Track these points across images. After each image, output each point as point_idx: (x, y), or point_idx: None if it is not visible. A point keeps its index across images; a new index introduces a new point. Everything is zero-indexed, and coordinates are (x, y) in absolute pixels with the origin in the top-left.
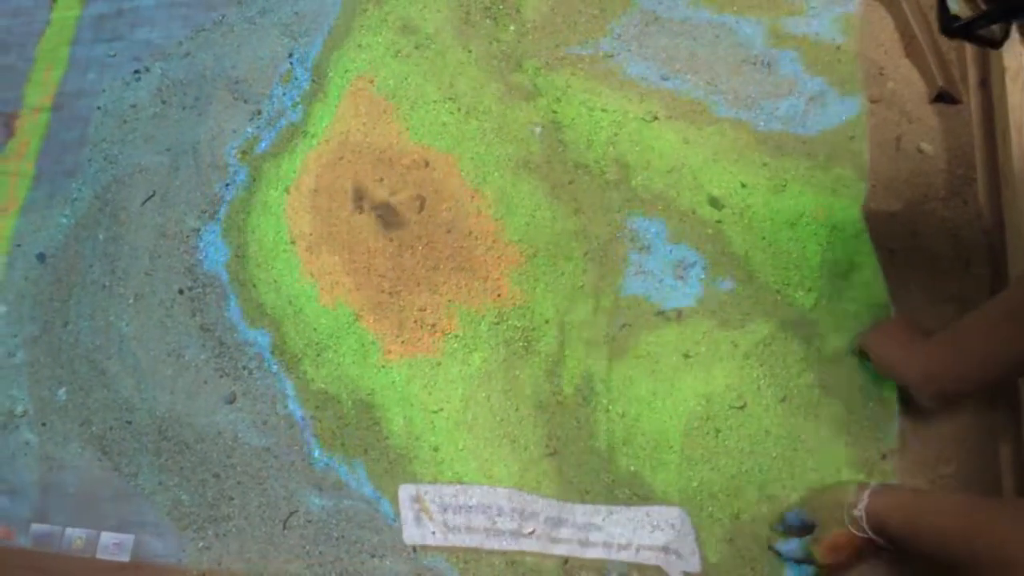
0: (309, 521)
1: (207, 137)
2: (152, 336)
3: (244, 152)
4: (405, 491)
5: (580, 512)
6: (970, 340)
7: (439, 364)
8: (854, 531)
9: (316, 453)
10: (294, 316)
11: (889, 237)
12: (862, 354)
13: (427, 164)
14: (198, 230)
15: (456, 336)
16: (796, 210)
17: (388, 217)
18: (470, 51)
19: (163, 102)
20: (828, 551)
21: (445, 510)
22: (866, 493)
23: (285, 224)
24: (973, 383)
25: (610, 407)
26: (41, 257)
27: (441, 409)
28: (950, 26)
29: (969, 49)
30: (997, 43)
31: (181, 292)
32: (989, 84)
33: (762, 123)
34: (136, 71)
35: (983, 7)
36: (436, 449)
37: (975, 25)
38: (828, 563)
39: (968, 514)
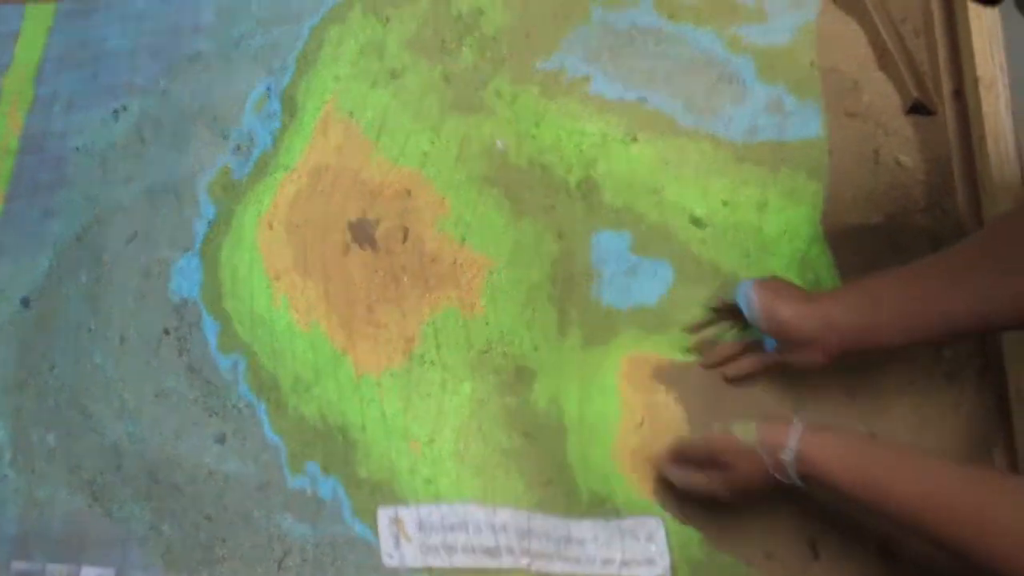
0: (304, 560)
1: (187, 174)
2: (139, 378)
3: (220, 185)
4: (384, 514)
5: (560, 527)
6: (904, 288)
7: (429, 395)
8: (778, 476)
9: (302, 485)
10: (275, 352)
11: (869, 250)
12: (730, 311)
13: (409, 193)
14: (176, 265)
15: (445, 366)
16: (778, 227)
17: (370, 247)
18: (446, 78)
19: (142, 141)
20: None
21: (422, 530)
22: (796, 435)
23: (262, 257)
24: (885, 338)
25: (586, 426)
26: (25, 301)
27: (433, 440)
28: None
29: (942, 59)
30: (993, 0)
31: (167, 332)
32: (964, 94)
33: (740, 140)
34: (114, 110)
35: None
36: (429, 481)
37: None
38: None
39: (959, 490)
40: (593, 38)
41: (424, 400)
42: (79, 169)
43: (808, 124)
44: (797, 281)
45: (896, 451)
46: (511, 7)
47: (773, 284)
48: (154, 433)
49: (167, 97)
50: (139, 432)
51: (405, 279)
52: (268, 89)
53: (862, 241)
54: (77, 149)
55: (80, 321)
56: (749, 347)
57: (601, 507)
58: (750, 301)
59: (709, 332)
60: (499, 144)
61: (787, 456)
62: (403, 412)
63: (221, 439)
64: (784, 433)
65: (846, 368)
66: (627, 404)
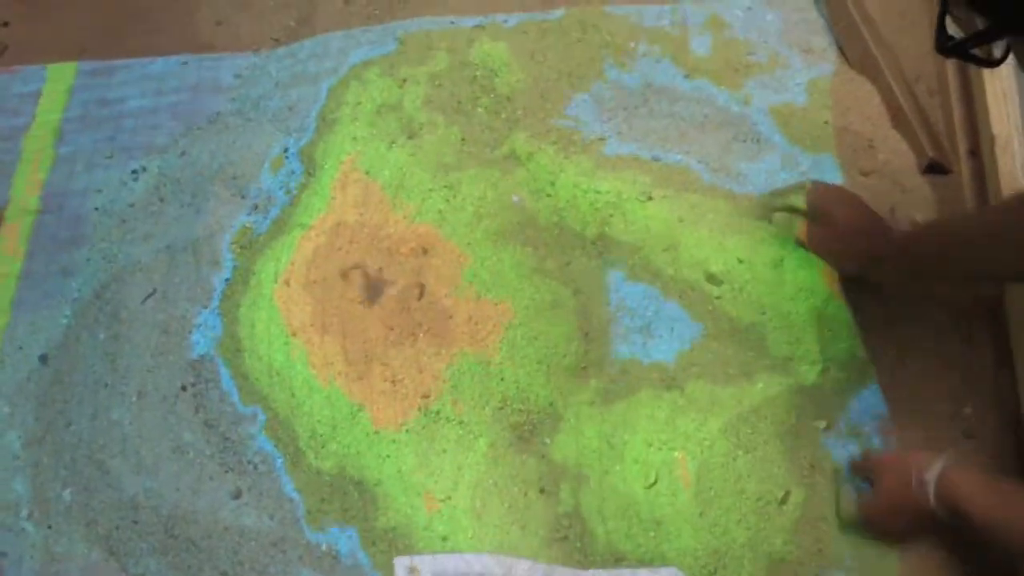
0: None
1: (205, 233)
2: (156, 434)
3: (239, 245)
4: (400, 563)
5: None
6: (937, 241)
7: (445, 451)
8: (918, 497)
9: (317, 541)
10: (293, 408)
11: (887, 307)
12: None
13: (425, 251)
14: (193, 320)
15: (461, 422)
16: (795, 284)
17: (387, 304)
18: (463, 138)
19: (161, 200)
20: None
21: None
22: (940, 461)
23: (279, 314)
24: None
25: (605, 484)
26: (43, 358)
27: (449, 497)
28: (945, 45)
29: (958, 118)
30: (995, 62)
31: (184, 388)
32: (979, 153)
33: (756, 198)
34: (134, 171)
35: (979, 26)
36: (445, 539)
37: (970, 44)
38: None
39: None
40: (607, 98)
41: (440, 456)
42: (98, 228)
43: (824, 178)
44: (814, 338)
45: None
46: (525, 67)
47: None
48: (170, 488)
49: (186, 157)
50: (155, 487)
51: (421, 335)
52: (286, 149)
53: (879, 298)
54: (96, 209)
55: (98, 377)
56: None
57: (619, 563)
58: (813, 196)
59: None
60: (515, 199)
61: (931, 475)
62: (419, 468)
63: (237, 495)
64: (933, 457)
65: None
66: (643, 462)
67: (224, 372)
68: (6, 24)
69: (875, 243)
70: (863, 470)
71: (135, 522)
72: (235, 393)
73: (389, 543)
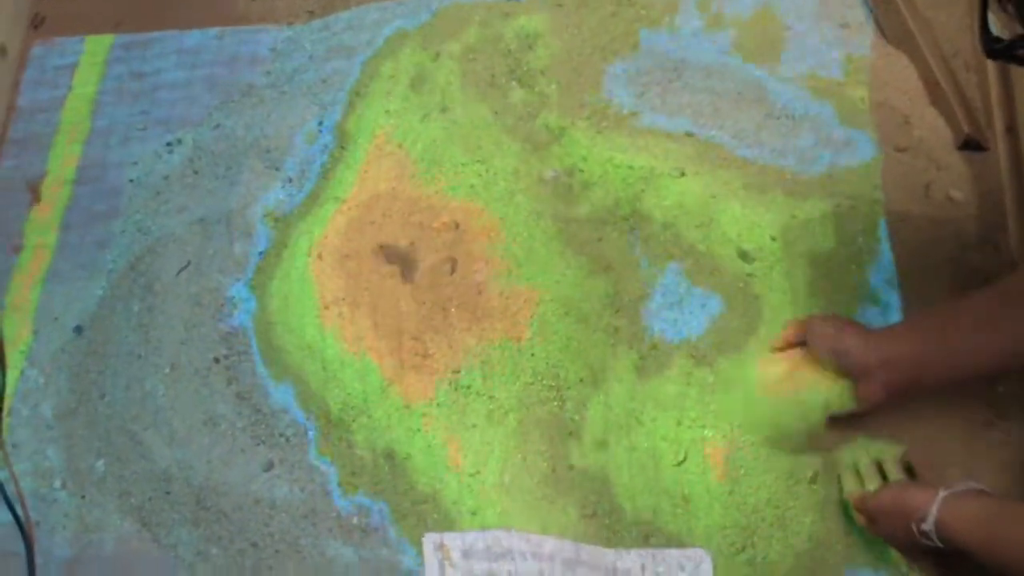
0: None
1: (239, 205)
2: (188, 405)
3: (273, 217)
4: (429, 540)
5: (606, 558)
6: (955, 325)
7: (475, 426)
8: (922, 541)
9: (348, 513)
10: (324, 381)
11: (923, 286)
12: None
13: (457, 226)
14: (227, 294)
15: (492, 396)
16: (827, 263)
17: (419, 279)
18: (496, 112)
19: (195, 172)
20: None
21: (467, 557)
22: (935, 505)
23: (312, 287)
24: (938, 375)
25: (633, 460)
26: (78, 330)
27: (478, 472)
28: (992, 47)
29: (994, 95)
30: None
31: (217, 360)
32: (1016, 130)
33: (789, 175)
34: (168, 143)
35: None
36: (474, 513)
37: (1018, 46)
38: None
39: None
40: (642, 72)
41: (470, 431)
42: (133, 200)
43: (858, 159)
44: (852, 308)
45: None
46: (559, 41)
47: (835, 318)
48: (202, 460)
49: (220, 130)
50: (188, 459)
51: (452, 310)
52: (320, 122)
53: (915, 278)
54: (131, 181)
55: (131, 349)
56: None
57: (647, 541)
58: (815, 332)
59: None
60: (551, 173)
61: (929, 525)
62: (448, 442)
63: (268, 466)
64: (928, 500)
65: (894, 404)
66: (672, 440)
67: (256, 345)
68: None
69: (852, 360)
70: (861, 511)
71: (167, 493)
72: (268, 366)
73: (419, 516)
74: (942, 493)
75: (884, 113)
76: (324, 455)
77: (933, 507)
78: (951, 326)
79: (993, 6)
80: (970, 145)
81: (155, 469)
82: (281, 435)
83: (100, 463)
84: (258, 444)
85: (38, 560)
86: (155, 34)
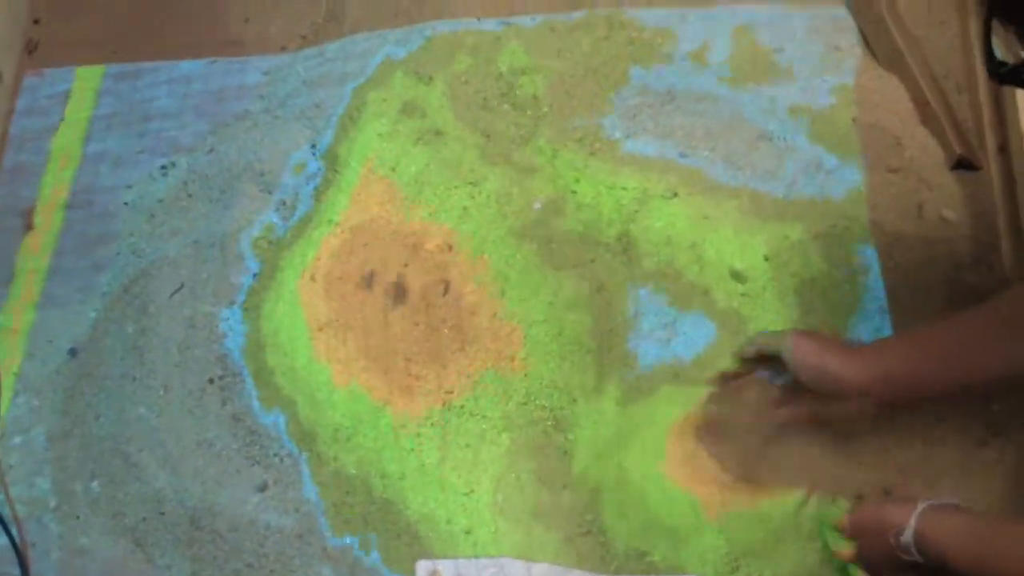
0: None
1: (233, 228)
2: (182, 427)
3: (266, 240)
4: (422, 567)
5: None
6: (946, 341)
7: (467, 446)
8: (902, 555)
9: (341, 539)
10: (316, 404)
11: (915, 307)
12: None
13: (450, 248)
14: (220, 316)
15: (484, 417)
16: (820, 284)
17: (410, 301)
18: (487, 135)
19: (189, 195)
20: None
21: None
22: (913, 516)
23: (302, 311)
24: (927, 390)
25: (626, 480)
26: (72, 352)
27: (471, 491)
28: (997, 71)
29: (986, 115)
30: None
31: (211, 382)
32: (1008, 149)
33: (782, 196)
34: (162, 167)
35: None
36: (468, 532)
37: (1023, 70)
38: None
39: None
40: (633, 96)
41: (463, 451)
42: (127, 223)
43: (849, 181)
44: (842, 335)
45: (1010, 526)
46: (551, 67)
47: (817, 336)
48: (196, 481)
49: (214, 154)
50: (181, 480)
51: (445, 331)
52: (313, 146)
53: (907, 297)
54: (126, 204)
55: (125, 371)
56: (787, 395)
57: (639, 562)
58: (795, 353)
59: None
60: (536, 204)
61: (907, 537)
62: (441, 463)
63: (263, 487)
64: (907, 513)
65: (886, 419)
66: (667, 457)
67: (249, 369)
68: (36, 21)
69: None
70: (842, 530)
71: (161, 514)
72: (259, 390)
73: (411, 538)
74: (921, 505)
75: (875, 134)
76: (316, 479)
77: (912, 519)
78: (941, 343)
79: (997, 30)
80: (962, 165)
81: (149, 490)
82: (275, 455)
83: (94, 484)
84: (252, 465)
85: None
86: (147, 64)
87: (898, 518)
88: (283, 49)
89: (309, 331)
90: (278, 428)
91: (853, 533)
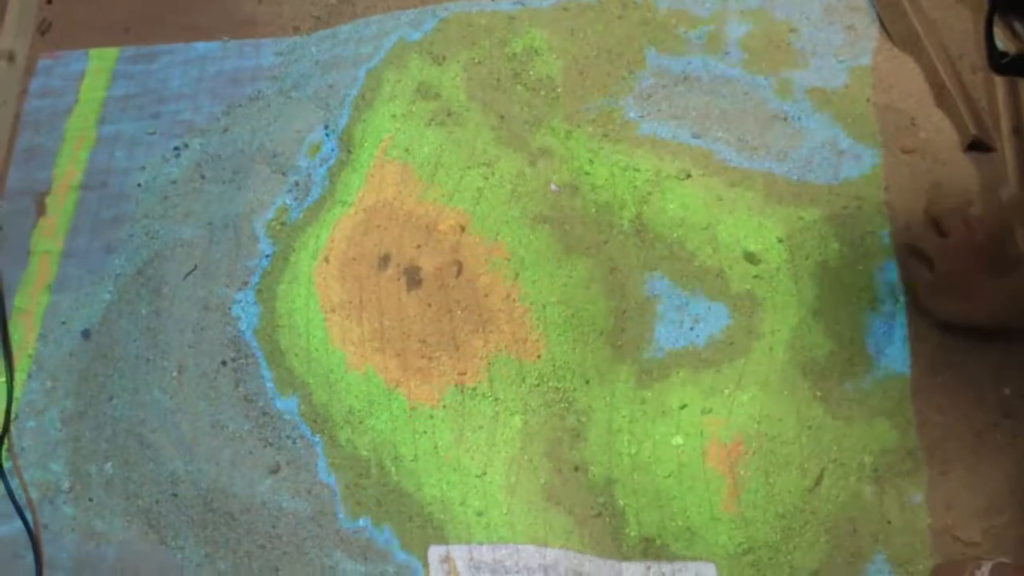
0: None
1: (246, 210)
2: (196, 408)
3: (279, 222)
4: (435, 552)
5: (611, 569)
6: None
7: (480, 427)
8: None
9: (354, 521)
10: (328, 386)
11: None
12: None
13: (463, 229)
14: (233, 296)
15: (497, 399)
16: (834, 265)
17: (424, 282)
18: (501, 116)
19: (202, 177)
20: None
21: (472, 569)
22: (986, 569)
23: (316, 292)
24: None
25: (638, 463)
26: (86, 334)
27: (484, 473)
28: (999, 63)
29: (1000, 96)
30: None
31: (224, 363)
32: (1022, 131)
33: (795, 178)
34: (176, 148)
35: None
36: (480, 514)
37: None
38: None
39: None
40: (647, 78)
41: (476, 432)
42: (140, 204)
43: (864, 162)
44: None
45: None
46: (565, 48)
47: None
48: (210, 463)
49: (227, 135)
50: (195, 461)
51: (459, 313)
52: (326, 126)
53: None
54: (139, 185)
55: (139, 353)
56: None
57: (651, 544)
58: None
59: None
60: (553, 187)
61: None
62: (455, 444)
63: (275, 469)
64: (979, 565)
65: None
66: (675, 444)
67: (263, 350)
68: (49, 1)
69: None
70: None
71: (175, 496)
72: (273, 371)
73: (424, 520)
74: (985, 564)
75: (890, 115)
76: (330, 461)
77: (985, 571)
78: None
79: (998, 21)
80: (977, 146)
81: (162, 472)
82: (288, 437)
83: (108, 466)
84: (266, 446)
85: (46, 563)
86: (161, 46)
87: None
88: (296, 30)
89: (323, 313)
90: (291, 410)
91: None
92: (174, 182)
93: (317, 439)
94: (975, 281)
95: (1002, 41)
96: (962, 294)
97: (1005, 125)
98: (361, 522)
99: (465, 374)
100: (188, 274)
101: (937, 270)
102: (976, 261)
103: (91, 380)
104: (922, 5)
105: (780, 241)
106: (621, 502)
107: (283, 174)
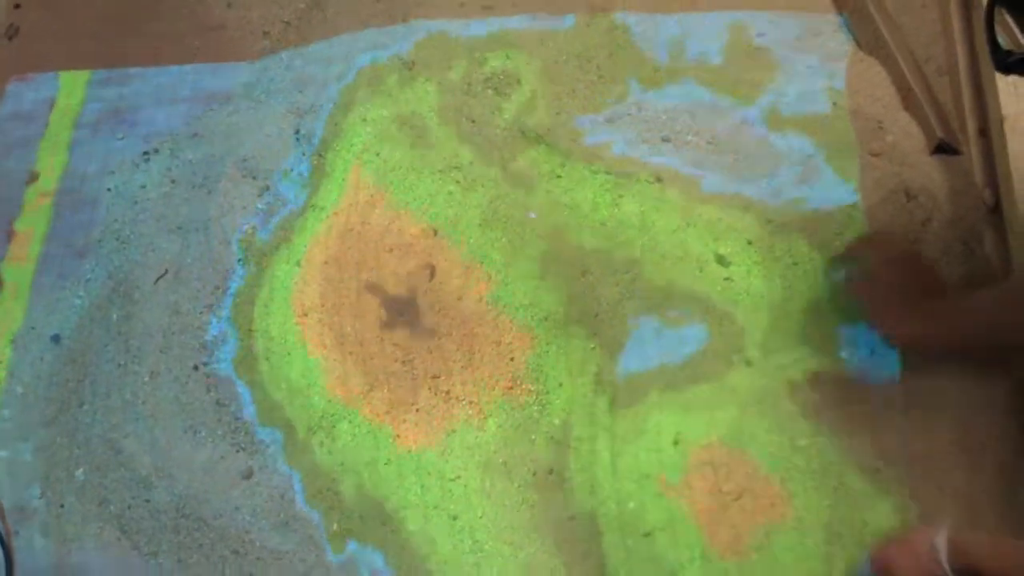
0: None
1: (217, 214)
2: (168, 413)
3: (251, 226)
4: None
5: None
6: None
7: (454, 431)
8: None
9: (327, 525)
10: (304, 387)
11: None
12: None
13: (435, 233)
14: (205, 302)
15: (470, 402)
16: (805, 267)
17: (397, 287)
18: (473, 121)
19: (172, 181)
20: None
21: None
22: (941, 535)
23: (292, 299)
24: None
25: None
26: (56, 339)
27: (458, 477)
28: (1005, 61)
29: (967, 99)
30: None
31: (196, 368)
32: (988, 132)
33: (765, 180)
34: (145, 152)
35: None
36: (455, 518)
37: None
38: None
39: None
40: (623, 105)
41: (450, 436)
42: (111, 209)
43: (831, 165)
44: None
45: None
46: (539, 73)
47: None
48: (182, 467)
49: (197, 139)
50: (167, 466)
51: (432, 316)
52: (297, 131)
53: None
54: (109, 190)
55: (111, 357)
56: None
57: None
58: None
59: None
60: (531, 214)
61: (939, 544)
62: (427, 448)
63: (248, 475)
64: (934, 532)
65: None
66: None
67: (234, 352)
68: (17, 6)
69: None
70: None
71: (147, 500)
72: (243, 374)
73: (397, 523)
74: (945, 524)
75: (858, 119)
76: (299, 469)
77: (941, 535)
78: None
79: (1000, 20)
80: (943, 149)
81: (135, 477)
82: (261, 441)
83: (79, 472)
84: (238, 451)
85: (17, 570)
86: (133, 69)
87: (927, 536)
88: (266, 34)
89: (295, 316)
90: (263, 415)
91: (886, 566)
92: (144, 187)
93: (287, 443)
94: (906, 310)
95: (1004, 38)
96: (903, 320)
97: (971, 128)
98: (333, 526)
99: (438, 377)
100: (159, 278)
101: (873, 307)
102: (901, 295)
103: (62, 386)
104: (888, 10)
105: (750, 243)
106: (600, 500)
107: (254, 178)
